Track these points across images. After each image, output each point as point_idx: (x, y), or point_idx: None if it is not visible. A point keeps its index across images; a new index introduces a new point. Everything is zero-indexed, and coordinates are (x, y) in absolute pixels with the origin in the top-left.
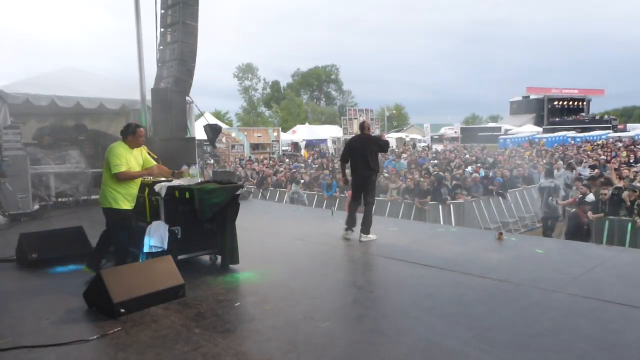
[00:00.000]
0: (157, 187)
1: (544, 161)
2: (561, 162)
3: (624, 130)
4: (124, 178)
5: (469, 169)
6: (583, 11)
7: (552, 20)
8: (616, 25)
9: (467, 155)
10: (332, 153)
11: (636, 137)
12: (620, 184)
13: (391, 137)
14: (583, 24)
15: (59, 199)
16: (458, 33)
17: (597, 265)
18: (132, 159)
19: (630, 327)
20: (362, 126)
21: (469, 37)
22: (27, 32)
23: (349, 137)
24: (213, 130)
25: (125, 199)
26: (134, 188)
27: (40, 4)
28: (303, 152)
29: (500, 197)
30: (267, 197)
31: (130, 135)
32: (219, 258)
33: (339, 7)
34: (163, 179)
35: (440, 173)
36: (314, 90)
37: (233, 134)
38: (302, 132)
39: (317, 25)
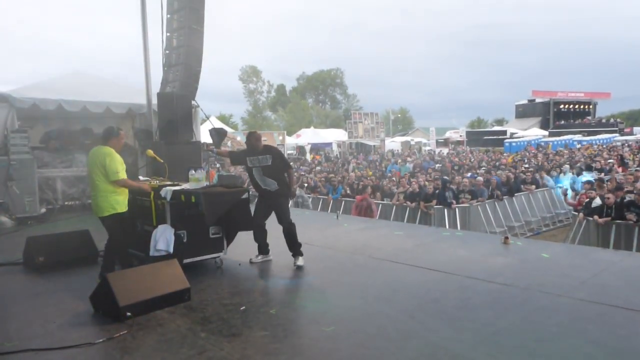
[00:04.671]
0: (162, 192)
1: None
2: (567, 165)
3: (631, 133)
4: (123, 185)
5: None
6: (586, 14)
7: (557, 23)
8: (622, 28)
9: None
10: (336, 155)
11: None
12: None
13: (396, 141)
14: (588, 27)
15: (66, 203)
16: (462, 37)
17: (604, 270)
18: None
19: (638, 332)
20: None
21: (473, 41)
22: (34, 37)
23: (354, 140)
24: (218, 134)
25: (125, 202)
26: (127, 190)
27: (47, 9)
28: (308, 155)
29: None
30: None
31: (114, 137)
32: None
33: (341, 12)
34: (169, 183)
35: (445, 177)
36: (319, 93)
37: (238, 138)
38: (307, 136)
39: (321, 29)
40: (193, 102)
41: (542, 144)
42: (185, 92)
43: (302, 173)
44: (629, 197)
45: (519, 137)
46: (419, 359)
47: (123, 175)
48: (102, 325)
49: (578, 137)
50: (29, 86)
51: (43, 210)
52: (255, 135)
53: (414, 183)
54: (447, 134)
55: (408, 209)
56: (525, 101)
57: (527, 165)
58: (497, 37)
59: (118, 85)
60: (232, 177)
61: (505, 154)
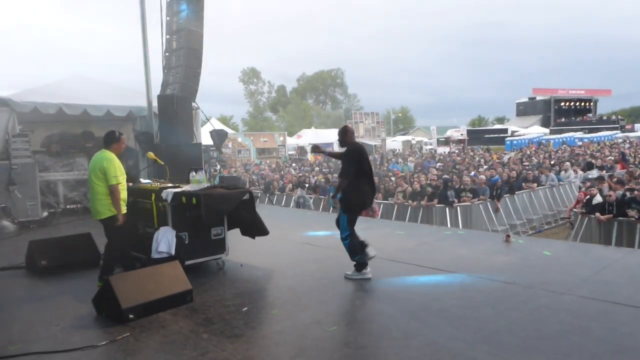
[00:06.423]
0: (163, 194)
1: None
2: (568, 163)
3: (632, 130)
4: (115, 191)
5: (473, 173)
6: (586, 12)
7: (557, 21)
8: (622, 25)
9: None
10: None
11: None
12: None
13: (397, 140)
14: (588, 25)
15: (68, 206)
16: (462, 36)
17: (606, 267)
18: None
19: None
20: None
21: (473, 40)
22: (34, 41)
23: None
24: (219, 136)
25: (124, 204)
26: (125, 192)
27: (47, 14)
28: (309, 156)
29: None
30: (274, 202)
31: (116, 142)
32: (226, 263)
33: (341, 12)
34: (170, 185)
35: (446, 176)
36: (320, 94)
37: (239, 139)
38: (308, 136)
39: (320, 30)
40: (193, 104)
41: (544, 141)
42: (185, 94)
43: (301, 174)
44: (629, 194)
45: (520, 135)
46: (420, 357)
47: (118, 181)
48: (105, 328)
49: (579, 134)
50: (29, 90)
51: (45, 214)
52: (343, 130)
53: (415, 182)
54: (448, 133)
55: (409, 208)
56: (525, 99)
57: (526, 164)
58: (497, 36)
59: (118, 88)
60: (233, 179)
61: (506, 152)
